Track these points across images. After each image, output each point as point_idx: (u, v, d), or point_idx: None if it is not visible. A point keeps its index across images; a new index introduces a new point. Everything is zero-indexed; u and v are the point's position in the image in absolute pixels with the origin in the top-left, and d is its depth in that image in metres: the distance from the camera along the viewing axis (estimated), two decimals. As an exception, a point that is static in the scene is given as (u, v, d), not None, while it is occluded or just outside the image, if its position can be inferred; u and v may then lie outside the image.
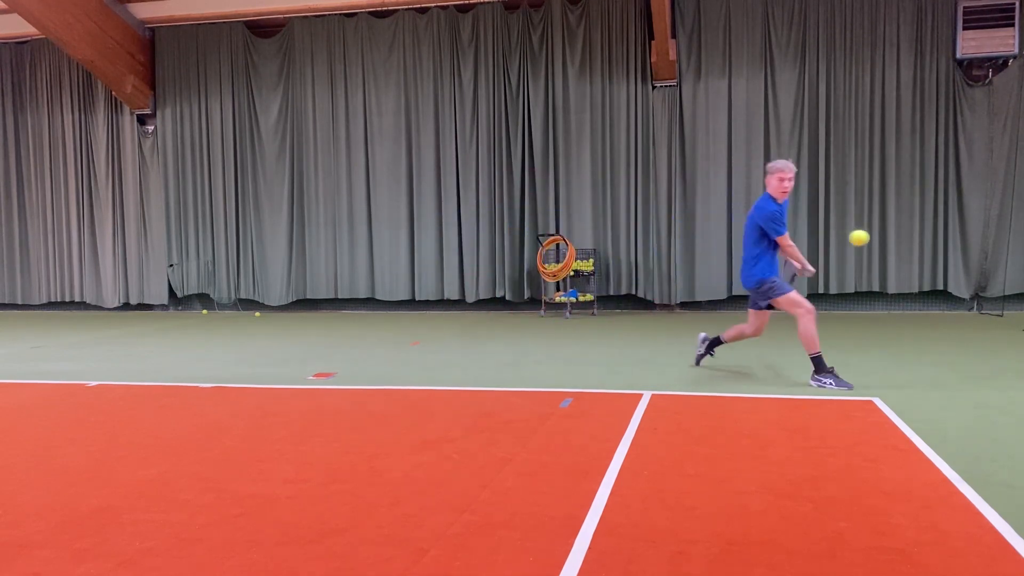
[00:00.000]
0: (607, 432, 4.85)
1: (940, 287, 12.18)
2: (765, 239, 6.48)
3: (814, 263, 12.50)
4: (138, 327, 12.21)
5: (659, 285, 12.89)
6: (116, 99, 14.74)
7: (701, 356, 7.34)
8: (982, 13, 11.58)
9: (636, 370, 7.24)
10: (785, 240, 6.43)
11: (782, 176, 6.38)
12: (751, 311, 6.75)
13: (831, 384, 6.17)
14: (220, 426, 5.27)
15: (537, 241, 13.08)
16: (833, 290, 12.44)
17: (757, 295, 6.62)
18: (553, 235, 12.84)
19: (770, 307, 6.61)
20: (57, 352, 9.33)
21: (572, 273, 12.47)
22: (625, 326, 11.12)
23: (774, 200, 6.47)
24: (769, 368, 7.24)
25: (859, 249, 12.29)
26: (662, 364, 7.57)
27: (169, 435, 5.03)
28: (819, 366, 6.28)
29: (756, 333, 6.88)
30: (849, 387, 6.12)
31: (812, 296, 12.55)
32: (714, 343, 7.24)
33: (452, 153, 13.57)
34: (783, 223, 6.45)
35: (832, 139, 12.39)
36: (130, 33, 14.15)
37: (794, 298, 6.41)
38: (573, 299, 12.50)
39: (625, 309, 13.31)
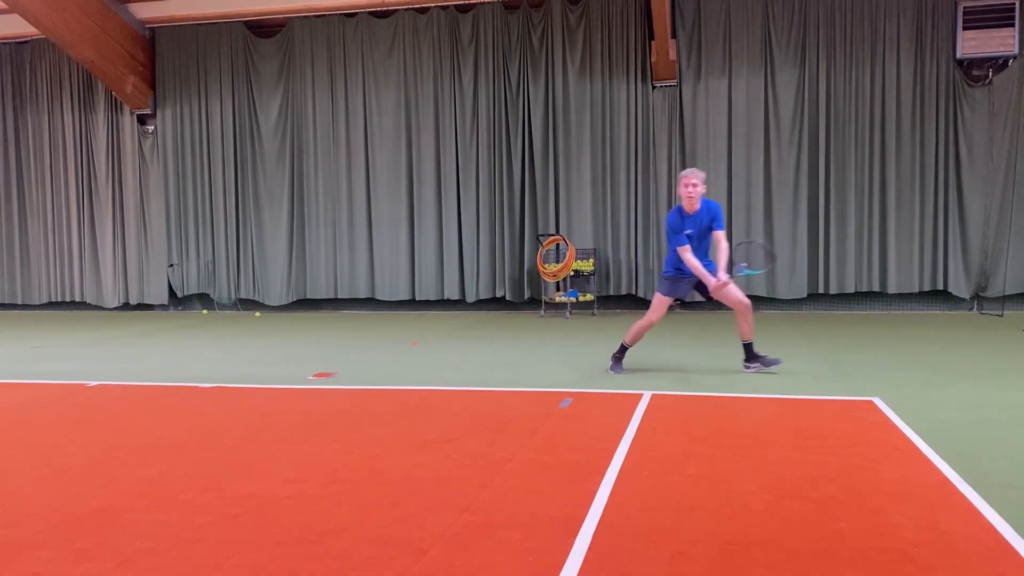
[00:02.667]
0: (607, 432, 4.85)
1: (940, 287, 12.17)
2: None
3: (814, 263, 12.51)
4: (138, 327, 12.21)
5: (659, 285, 12.87)
6: (116, 99, 14.74)
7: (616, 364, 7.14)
8: (982, 13, 11.57)
9: (636, 370, 7.24)
10: (685, 253, 6.66)
11: (684, 183, 6.63)
12: (718, 299, 6.91)
13: (610, 367, 7.02)
14: (220, 426, 5.27)
15: (537, 241, 13.08)
16: (833, 290, 12.44)
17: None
18: (553, 235, 12.84)
19: (680, 300, 7.24)
20: (57, 352, 9.33)
21: (572, 273, 12.47)
22: (625, 326, 11.04)
23: (680, 211, 6.71)
24: (769, 369, 7.22)
25: (859, 249, 12.29)
26: (662, 364, 7.57)
27: (169, 435, 5.03)
28: (620, 352, 7.07)
29: (737, 307, 6.80)
30: (620, 372, 6.94)
31: (813, 296, 12.58)
32: (751, 353, 6.92)
33: (452, 153, 13.57)
34: (682, 234, 6.64)
35: (832, 139, 12.38)
36: (130, 33, 14.15)
37: (657, 302, 6.98)
38: (573, 299, 12.50)
39: (625, 309, 13.31)
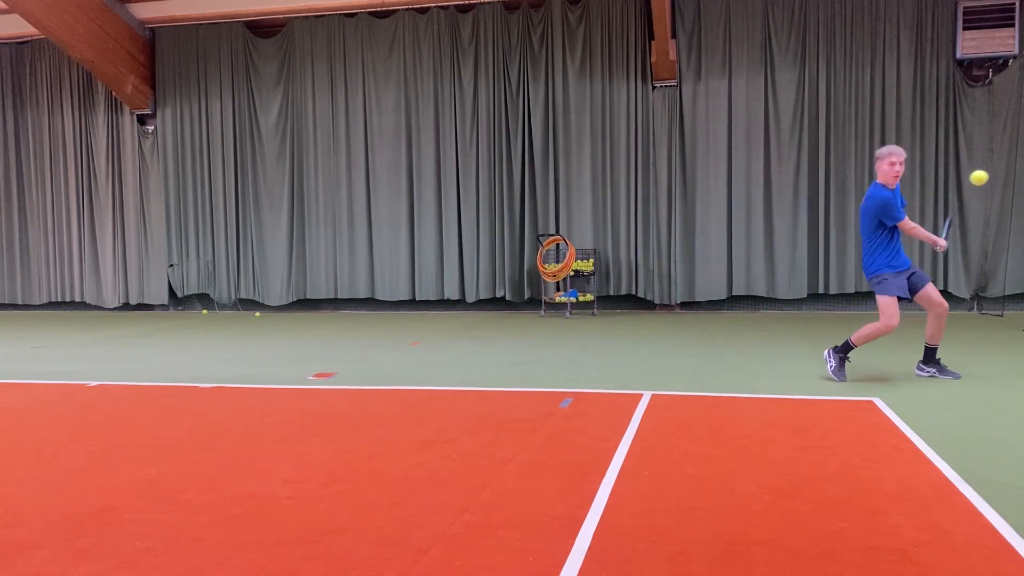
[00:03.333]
0: (607, 432, 4.85)
1: (940, 287, 12.15)
2: (882, 228, 6.41)
3: (814, 263, 12.52)
4: (138, 327, 12.21)
5: (659, 285, 12.89)
6: (116, 99, 14.74)
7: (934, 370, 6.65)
8: (982, 13, 11.57)
9: (636, 370, 7.24)
10: (906, 224, 6.40)
11: (892, 160, 6.36)
12: (918, 301, 6.50)
13: (831, 366, 6.55)
14: (220, 426, 5.27)
15: (537, 241, 13.08)
16: (833, 290, 12.44)
17: (872, 285, 6.60)
18: (553, 235, 12.84)
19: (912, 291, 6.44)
20: (57, 352, 9.33)
21: (572, 273, 12.47)
22: (625, 326, 11.11)
23: (885, 187, 6.43)
24: (769, 368, 7.23)
25: (859, 249, 12.25)
26: (662, 364, 7.57)
27: (169, 435, 5.03)
28: (844, 350, 6.53)
29: (937, 309, 6.43)
30: (842, 380, 6.47)
31: (813, 296, 12.57)
32: (931, 358, 6.66)
33: (452, 153, 13.57)
34: (900, 208, 6.41)
35: (832, 139, 12.38)
36: (130, 33, 14.15)
37: (887, 305, 6.32)
38: (573, 299, 12.49)
39: (625, 309, 13.31)
